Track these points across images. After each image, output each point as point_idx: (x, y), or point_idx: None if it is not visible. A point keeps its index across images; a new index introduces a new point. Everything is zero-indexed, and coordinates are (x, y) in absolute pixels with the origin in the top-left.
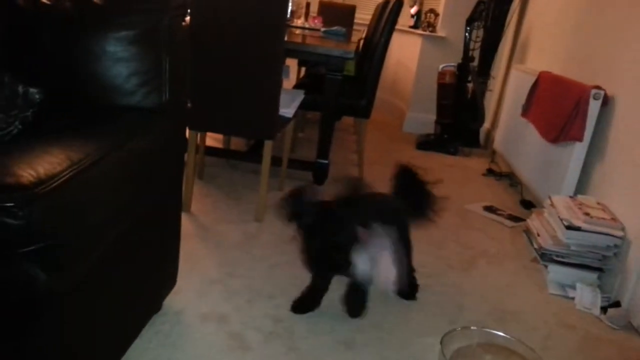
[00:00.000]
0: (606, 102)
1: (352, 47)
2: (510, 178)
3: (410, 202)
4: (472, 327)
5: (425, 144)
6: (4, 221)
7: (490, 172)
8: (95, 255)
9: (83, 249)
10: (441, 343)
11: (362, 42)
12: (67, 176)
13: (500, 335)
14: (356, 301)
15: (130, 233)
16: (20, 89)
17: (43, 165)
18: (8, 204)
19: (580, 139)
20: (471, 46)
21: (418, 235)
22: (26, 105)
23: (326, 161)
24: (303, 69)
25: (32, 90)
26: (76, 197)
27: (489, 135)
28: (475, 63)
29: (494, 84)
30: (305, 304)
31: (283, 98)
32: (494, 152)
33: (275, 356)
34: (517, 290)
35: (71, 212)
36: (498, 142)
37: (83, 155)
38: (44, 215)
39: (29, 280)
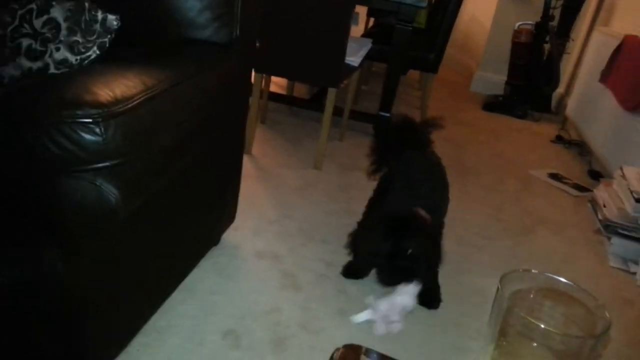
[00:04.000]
0: None
1: None
2: (580, 146)
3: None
4: (532, 270)
5: (493, 105)
6: (80, 136)
7: (559, 139)
8: (162, 179)
9: (151, 171)
10: (500, 282)
11: None
12: (141, 99)
13: (561, 281)
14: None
15: (195, 166)
16: (100, 15)
17: (119, 87)
18: (86, 120)
19: None
20: (552, 4)
21: (476, 197)
22: (104, 32)
23: (388, 114)
24: (372, 21)
25: (110, 16)
26: (148, 119)
27: (562, 100)
28: (555, 23)
29: (573, 46)
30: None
31: (350, 46)
32: (565, 119)
33: (325, 297)
34: (575, 260)
35: (143, 133)
36: (571, 108)
37: (156, 81)
38: (118, 133)
39: (102, 195)
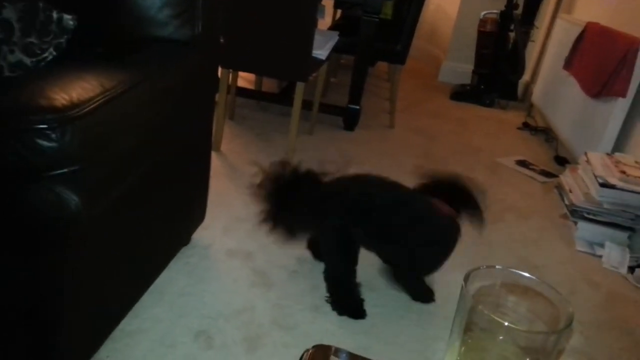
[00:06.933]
0: None
1: None
2: (546, 133)
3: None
4: (496, 266)
5: (460, 94)
6: (37, 143)
7: (525, 126)
8: (126, 183)
9: (113, 174)
10: (464, 280)
11: None
12: (100, 102)
13: (525, 276)
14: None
15: (161, 166)
16: (55, 15)
17: (76, 90)
18: (41, 126)
19: (623, 95)
20: None
21: None
22: (60, 32)
23: (357, 107)
24: (339, 12)
25: (66, 16)
26: (107, 122)
27: (528, 88)
28: (519, 11)
29: (537, 34)
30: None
31: (317, 39)
32: (531, 106)
33: (298, 294)
34: (543, 245)
35: (102, 137)
36: (537, 96)
37: (115, 82)
38: (76, 138)
39: (61, 202)
